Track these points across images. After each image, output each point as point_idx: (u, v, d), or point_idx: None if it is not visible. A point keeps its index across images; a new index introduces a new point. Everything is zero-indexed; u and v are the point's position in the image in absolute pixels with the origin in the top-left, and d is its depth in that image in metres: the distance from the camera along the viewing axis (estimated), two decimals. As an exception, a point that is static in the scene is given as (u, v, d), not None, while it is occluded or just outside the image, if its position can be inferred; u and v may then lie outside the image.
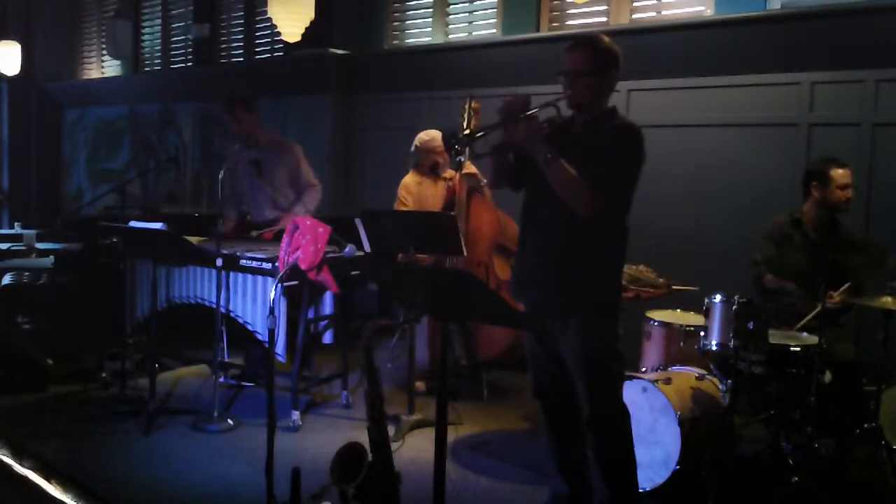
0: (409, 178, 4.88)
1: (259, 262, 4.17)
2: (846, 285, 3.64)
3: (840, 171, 3.82)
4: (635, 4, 5.55)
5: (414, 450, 3.80)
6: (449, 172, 4.84)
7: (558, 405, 2.96)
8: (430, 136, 4.81)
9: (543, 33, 5.87)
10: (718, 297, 3.45)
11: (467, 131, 4.37)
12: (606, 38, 2.84)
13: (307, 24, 5.62)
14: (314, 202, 4.91)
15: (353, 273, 4.41)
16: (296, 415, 4.11)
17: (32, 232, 6.87)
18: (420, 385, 4.62)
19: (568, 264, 2.76)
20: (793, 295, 3.80)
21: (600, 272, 2.78)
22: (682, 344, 3.82)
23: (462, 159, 3.12)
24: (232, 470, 3.54)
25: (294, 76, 7.13)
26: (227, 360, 4.79)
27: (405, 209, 4.77)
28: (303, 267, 3.97)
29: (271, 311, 3.03)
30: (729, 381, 3.42)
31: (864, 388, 3.61)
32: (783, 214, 3.96)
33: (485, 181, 4.77)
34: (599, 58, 2.77)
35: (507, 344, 4.58)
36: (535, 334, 2.92)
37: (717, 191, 4.97)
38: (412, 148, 4.86)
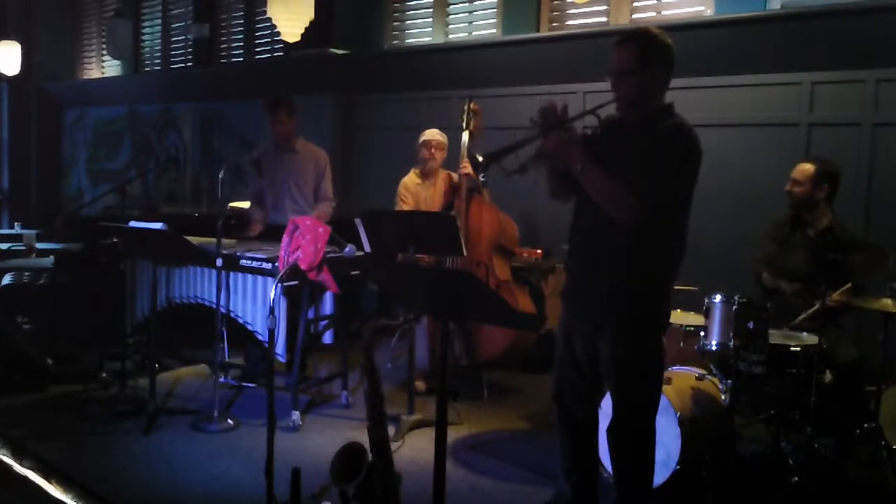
0: (409, 178, 4.90)
1: (259, 262, 4.17)
2: (846, 286, 3.63)
3: (799, 164, 3.88)
4: (635, 4, 5.55)
5: (414, 450, 3.80)
6: (443, 172, 4.87)
7: (575, 412, 2.89)
8: (425, 132, 4.89)
9: (543, 33, 5.87)
10: (718, 297, 3.45)
11: (465, 138, 4.38)
12: (655, 30, 2.64)
13: (307, 24, 5.62)
14: (325, 217, 4.85)
15: (353, 273, 4.41)
16: (296, 415, 4.11)
17: (32, 232, 6.87)
18: (420, 385, 4.62)
19: (607, 273, 2.66)
20: (789, 294, 3.80)
21: (638, 280, 2.64)
22: (682, 344, 3.82)
23: (484, 178, 3.04)
24: (232, 470, 3.54)
25: (294, 76, 7.13)
26: (227, 360, 4.79)
27: (405, 208, 4.78)
28: (303, 267, 3.97)
29: (271, 311, 3.03)
30: (729, 381, 3.42)
31: (865, 388, 3.61)
32: (784, 213, 3.97)
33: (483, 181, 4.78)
34: (646, 54, 2.58)
35: (507, 344, 4.58)
36: (563, 336, 2.85)
37: (717, 191, 4.96)
38: None
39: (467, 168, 4.55)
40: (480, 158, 2.61)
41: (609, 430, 2.78)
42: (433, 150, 4.80)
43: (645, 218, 2.53)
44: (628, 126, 2.70)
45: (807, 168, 3.82)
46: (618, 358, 2.66)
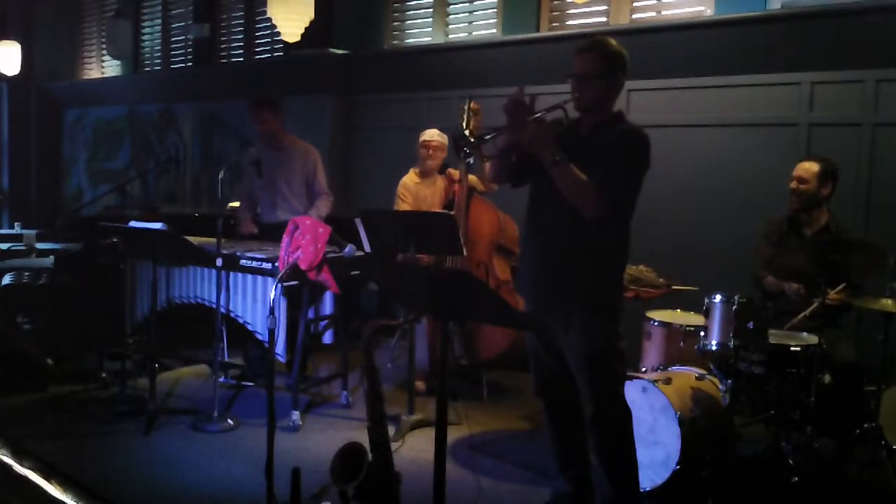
0: (408, 178, 4.90)
1: (259, 262, 4.17)
2: (841, 286, 3.64)
3: (800, 163, 3.88)
4: (635, 4, 5.55)
5: (414, 450, 3.80)
6: (452, 172, 4.86)
7: (560, 404, 2.97)
8: (424, 132, 4.89)
9: (543, 33, 5.87)
10: (718, 297, 3.45)
11: (467, 132, 4.39)
12: (613, 41, 2.85)
13: (307, 24, 5.62)
14: (325, 211, 4.88)
15: (353, 273, 4.41)
16: (296, 415, 4.11)
17: (32, 232, 6.87)
18: (420, 385, 4.62)
19: (569, 264, 2.78)
20: (793, 295, 3.80)
21: (601, 272, 2.79)
22: (682, 344, 3.82)
23: (471, 161, 3.11)
24: (232, 470, 3.55)
25: (294, 76, 7.13)
26: (227, 360, 4.79)
27: (404, 208, 4.78)
28: (303, 267, 3.97)
29: (271, 311, 3.03)
30: (729, 381, 3.42)
31: (864, 388, 3.61)
32: (779, 215, 3.97)
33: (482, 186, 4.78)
34: (609, 60, 2.79)
35: (507, 344, 4.58)
36: (537, 334, 2.92)
37: (717, 191, 4.97)
38: None
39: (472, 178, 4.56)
40: (472, 139, 2.73)
41: (590, 424, 2.82)
42: (432, 151, 4.81)
43: (608, 213, 2.68)
44: (584, 128, 2.86)
45: (812, 166, 3.82)
46: (587, 348, 2.76)
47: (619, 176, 2.69)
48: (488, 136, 2.75)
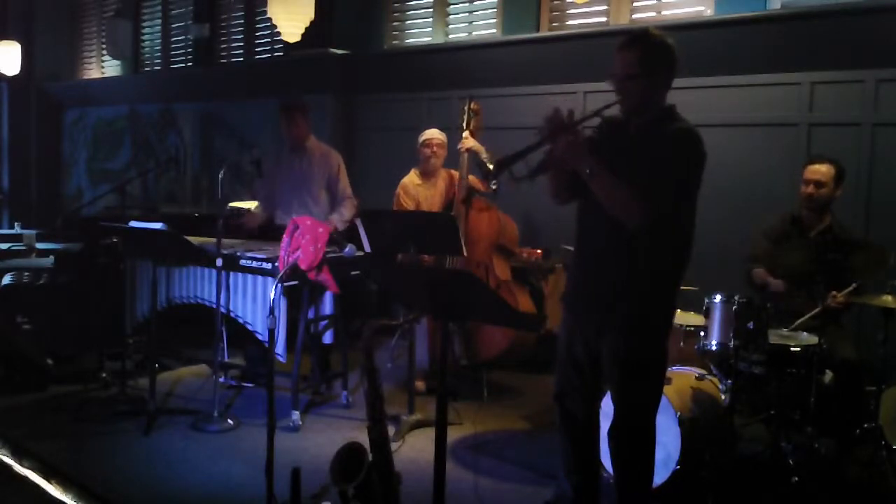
0: (408, 179, 4.89)
1: (259, 262, 4.17)
2: (851, 287, 3.62)
3: (811, 166, 3.84)
4: (635, 4, 5.55)
5: (414, 450, 3.80)
6: (443, 171, 4.85)
7: (575, 415, 2.88)
8: (425, 132, 4.88)
9: (543, 33, 5.87)
10: (718, 297, 3.45)
11: (490, 164, 4.37)
12: (657, 32, 2.63)
13: (307, 24, 5.62)
14: (350, 214, 4.79)
15: (353, 273, 4.41)
16: (296, 415, 4.11)
17: (32, 232, 6.87)
18: (420, 385, 4.62)
19: (610, 275, 2.66)
20: (781, 293, 3.79)
21: (644, 283, 2.63)
22: (682, 344, 3.82)
23: (496, 186, 3.00)
24: (232, 470, 3.55)
25: (294, 76, 7.13)
26: (227, 360, 4.79)
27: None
28: (303, 267, 3.97)
29: (271, 311, 3.03)
30: (729, 381, 3.42)
31: (865, 388, 3.61)
32: (784, 213, 3.97)
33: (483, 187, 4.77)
34: (649, 57, 2.58)
35: (507, 344, 4.58)
36: (565, 337, 2.85)
37: (717, 191, 4.95)
38: None
39: (468, 142, 4.52)
40: (491, 167, 2.59)
41: (610, 432, 2.78)
42: (435, 149, 4.80)
43: (651, 222, 2.52)
44: (632, 129, 2.69)
45: (829, 169, 3.78)
46: (619, 359, 2.66)
47: (665, 182, 2.51)
48: (517, 156, 2.58)
